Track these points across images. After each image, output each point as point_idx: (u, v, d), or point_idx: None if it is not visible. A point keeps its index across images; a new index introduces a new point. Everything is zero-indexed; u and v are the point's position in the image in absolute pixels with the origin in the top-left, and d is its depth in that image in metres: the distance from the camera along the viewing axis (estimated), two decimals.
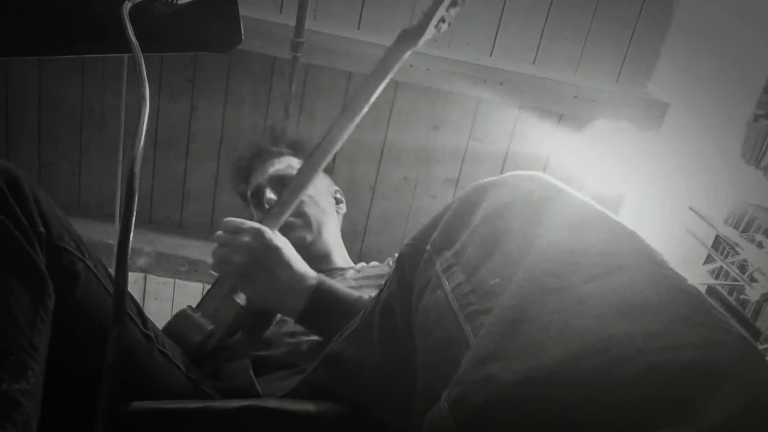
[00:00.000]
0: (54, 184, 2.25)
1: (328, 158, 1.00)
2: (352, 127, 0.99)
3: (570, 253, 0.46)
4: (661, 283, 0.42)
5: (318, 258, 1.18)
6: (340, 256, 1.23)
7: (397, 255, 1.22)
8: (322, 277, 0.91)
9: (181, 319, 0.91)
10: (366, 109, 0.99)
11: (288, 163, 1.22)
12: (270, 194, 1.11)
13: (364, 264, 1.21)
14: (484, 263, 0.51)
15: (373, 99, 0.99)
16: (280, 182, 1.15)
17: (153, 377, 0.75)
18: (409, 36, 1.01)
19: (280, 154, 1.27)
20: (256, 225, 0.91)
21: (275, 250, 0.89)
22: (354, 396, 0.68)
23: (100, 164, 2.23)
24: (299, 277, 0.89)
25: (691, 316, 0.39)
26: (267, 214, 0.99)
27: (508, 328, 0.42)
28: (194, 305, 0.98)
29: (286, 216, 0.99)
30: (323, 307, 0.88)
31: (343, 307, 0.88)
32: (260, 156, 1.29)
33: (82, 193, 2.29)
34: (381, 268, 1.15)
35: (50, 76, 2.10)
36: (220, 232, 0.93)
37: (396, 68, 1.00)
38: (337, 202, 1.32)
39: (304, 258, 1.22)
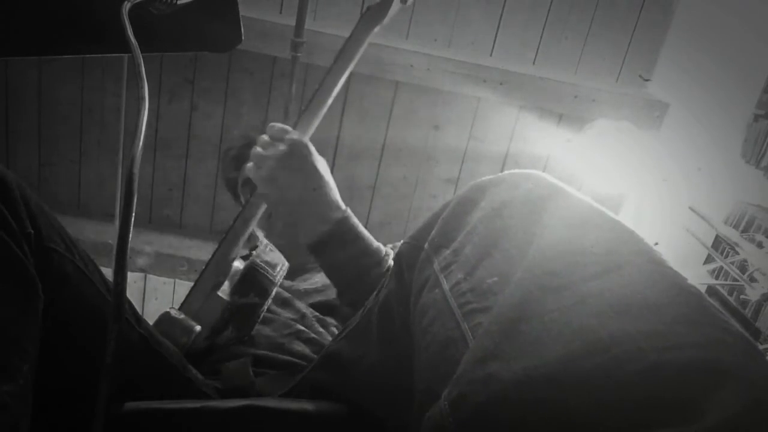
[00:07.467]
0: (54, 184, 2.25)
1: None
2: (329, 101, 0.95)
3: (569, 252, 0.46)
4: (660, 282, 0.42)
5: None
6: None
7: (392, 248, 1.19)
8: (349, 212, 0.90)
9: (165, 321, 0.89)
10: (336, 90, 0.95)
11: None
12: None
13: None
14: (482, 262, 0.51)
15: (344, 78, 0.96)
16: None
17: (149, 377, 0.74)
18: (376, 12, 0.97)
19: None
20: (298, 137, 0.89)
21: (310, 163, 0.87)
22: (352, 395, 0.68)
23: (100, 164, 2.23)
24: (327, 202, 0.88)
25: (691, 315, 0.39)
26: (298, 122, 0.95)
27: (507, 327, 0.42)
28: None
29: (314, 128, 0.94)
30: (341, 242, 0.86)
31: (360, 249, 0.87)
32: (252, 146, 1.28)
33: (82, 193, 2.28)
34: None
35: (50, 76, 2.10)
36: (264, 136, 0.91)
37: (364, 48, 0.96)
38: None
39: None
